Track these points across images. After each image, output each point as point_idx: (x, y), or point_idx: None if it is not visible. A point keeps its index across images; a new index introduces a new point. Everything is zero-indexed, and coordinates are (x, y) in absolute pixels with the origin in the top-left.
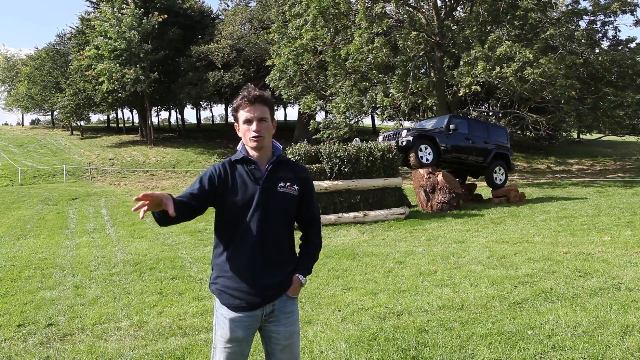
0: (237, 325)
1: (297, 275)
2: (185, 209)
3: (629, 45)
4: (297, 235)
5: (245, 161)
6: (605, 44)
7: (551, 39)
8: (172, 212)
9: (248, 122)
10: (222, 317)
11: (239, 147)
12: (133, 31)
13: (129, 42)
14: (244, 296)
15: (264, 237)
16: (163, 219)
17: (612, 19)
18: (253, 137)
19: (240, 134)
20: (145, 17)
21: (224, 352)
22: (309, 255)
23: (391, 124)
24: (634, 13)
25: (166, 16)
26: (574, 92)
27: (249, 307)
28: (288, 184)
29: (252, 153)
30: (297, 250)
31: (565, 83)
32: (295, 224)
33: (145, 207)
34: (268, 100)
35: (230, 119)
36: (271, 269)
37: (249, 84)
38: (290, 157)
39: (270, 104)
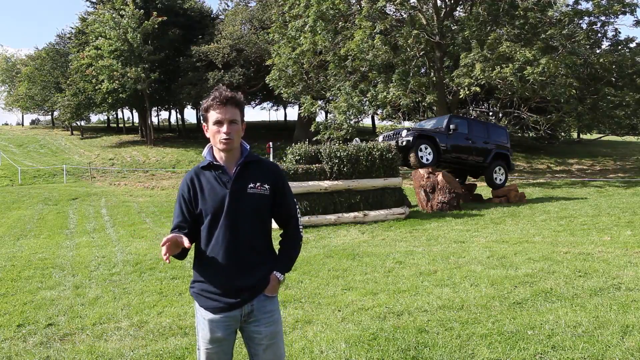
0: (216, 326)
1: (274, 273)
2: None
3: (629, 45)
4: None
5: (212, 166)
6: (605, 44)
7: (551, 39)
8: (188, 245)
9: (218, 123)
10: (202, 318)
11: (205, 152)
12: (136, 33)
13: (130, 44)
14: (221, 298)
15: (238, 240)
16: (181, 255)
17: (612, 19)
18: (223, 139)
19: (208, 135)
20: (146, 20)
21: (206, 353)
22: (287, 252)
23: (391, 123)
24: (634, 13)
25: (166, 17)
26: (574, 91)
27: (226, 308)
28: (258, 184)
29: (220, 156)
30: (276, 247)
31: (564, 82)
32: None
33: (168, 253)
34: (240, 102)
35: None
36: (247, 271)
37: (220, 84)
38: (290, 157)
39: (241, 106)
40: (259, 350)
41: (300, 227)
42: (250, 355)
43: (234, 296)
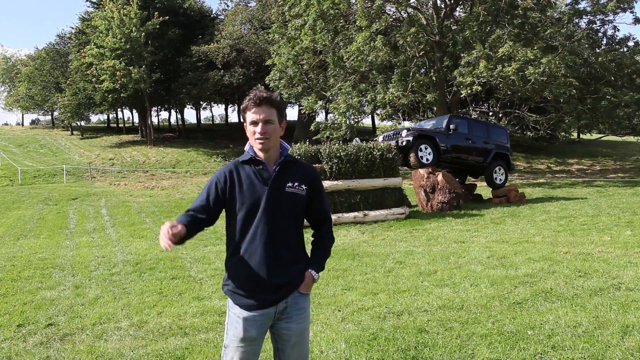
0: (250, 324)
1: (309, 270)
2: (193, 225)
3: (627, 44)
4: (307, 233)
5: (252, 161)
6: (604, 42)
7: (551, 39)
8: (182, 232)
9: (254, 123)
10: (235, 316)
11: (247, 147)
12: (139, 33)
13: (133, 43)
14: (257, 295)
15: (274, 237)
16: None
17: (611, 17)
18: (258, 138)
19: (248, 134)
20: (148, 20)
21: (237, 352)
22: (321, 251)
23: (390, 123)
24: (633, 11)
25: (167, 17)
26: (574, 91)
27: (262, 306)
28: (296, 183)
29: (260, 154)
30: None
31: (565, 82)
32: (306, 222)
33: (171, 243)
34: (275, 101)
35: (231, 119)
36: (282, 268)
37: (259, 85)
38: None
39: (277, 106)
40: (287, 347)
41: (332, 230)
42: (275, 350)
43: (270, 293)
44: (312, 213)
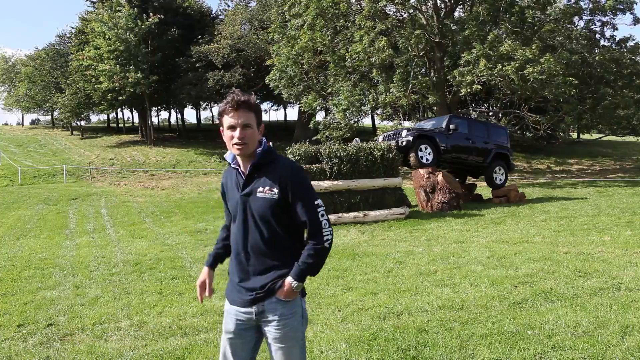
0: (229, 317)
1: (287, 277)
2: (224, 249)
3: (626, 44)
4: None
5: (233, 167)
6: (602, 43)
7: (549, 38)
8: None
9: (232, 128)
10: (225, 307)
11: (228, 153)
12: (130, 33)
13: (127, 44)
14: (235, 292)
15: (246, 243)
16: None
17: (610, 17)
18: (236, 144)
19: (225, 139)
20: (140, 20)
21: (223, 341)
22: (302, 259)
23: (391, 123)
24: (633, 12)
25: (162, 16)
26: (573, 91)
27: (236, 302)
28: (267, 187)
29: (238, 159)
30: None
31: (564, 81)
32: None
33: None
34: (253, 105)
35: None
36: (255, 273)
37: (234, 88)
38: (290, 157)
39: (255, 110)
40: (272, 350)
41: (326, 233)
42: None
43: (243, 294)
44: (293, 217)
